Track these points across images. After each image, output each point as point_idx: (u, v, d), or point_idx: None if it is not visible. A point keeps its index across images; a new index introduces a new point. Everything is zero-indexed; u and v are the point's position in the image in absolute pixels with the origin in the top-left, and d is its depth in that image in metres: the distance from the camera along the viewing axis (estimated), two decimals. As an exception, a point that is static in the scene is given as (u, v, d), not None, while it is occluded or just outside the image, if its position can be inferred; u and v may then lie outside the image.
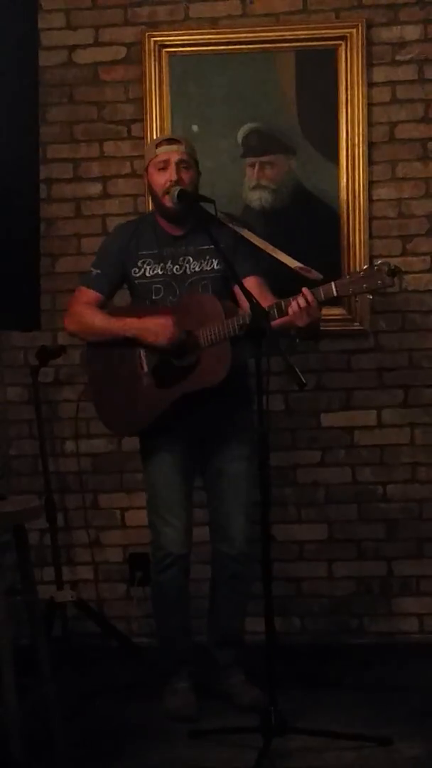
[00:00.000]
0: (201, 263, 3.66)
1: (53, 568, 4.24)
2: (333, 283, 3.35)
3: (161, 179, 3.60)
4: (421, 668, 4.03)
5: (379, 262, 3.36)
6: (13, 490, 4.37)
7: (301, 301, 3.32)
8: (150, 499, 3.70)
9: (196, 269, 3.65)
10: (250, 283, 3.52)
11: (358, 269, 3.46)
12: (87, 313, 3.65)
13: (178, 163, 3.61)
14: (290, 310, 3.34)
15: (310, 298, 3.32)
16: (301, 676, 3.90)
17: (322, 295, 3.35)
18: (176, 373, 3.54)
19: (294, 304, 3.33)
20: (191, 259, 3.66)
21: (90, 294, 3.68)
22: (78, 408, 4.28)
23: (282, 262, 3.64)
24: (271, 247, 3.69)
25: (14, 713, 2.86)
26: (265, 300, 3.41)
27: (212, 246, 3.58)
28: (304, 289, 3.34)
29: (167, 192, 3.58)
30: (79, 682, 3.91)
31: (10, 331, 4.36)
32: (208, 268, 3.66)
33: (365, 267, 3.44)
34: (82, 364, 3.76)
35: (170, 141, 3.68)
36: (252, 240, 3.67)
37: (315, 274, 3.53)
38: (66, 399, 4.39)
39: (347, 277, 3.38)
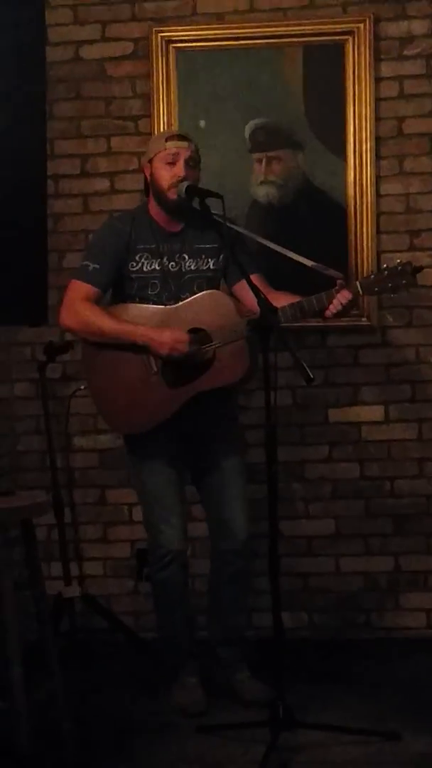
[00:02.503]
0: (197, 262, 3.65)
1: (61, 563, 4.25)
2: (358, 282, 3.49)
3: (167, 173, 3.58)
4: (428, 663, 4.03)
5: (398, 261, 3.49)
6: (21, 486, 4.38)
7: (344, 298, 3.44)
8: (146, 498, 3.69)
9: (192, 268, 3.65)
10: (254, 280, 3.52)
11: (381, 269, 3.49)
12: (90, 312, 3.55)
13: (186, 160, 3.59)
14: (332, 307, 3.45)
15: (349, 295, 3.45)
16: (308, 670, 3.91)
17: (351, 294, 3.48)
18: (189, 372, 3.53)
19: (337, 302, 3.44)
20: (187, 257, 3.65)
21: (87, 289, 3.59)
22: (69, 404, 4.32)
23: (296, 262, 3.65)
24: (276, 247, 3.69)
25: (22, 708, 2.87)
26: (271, 295, 3.41)
27: (209, 245, 3.65)
28: (344, 291, 3.45)
29: (174, 186, 3.57)
30: (87, 677, 3.92)
31: (17, 327, 4.37)
32: (204, 268, 3.66)
33: (387, 266, 3.49)
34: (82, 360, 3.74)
35: (180, 137, 3.66)
36: (266, 244, 3.67)
37: (333, 272, 3.57)
38: (73, 394, 4.38)
39: (372, 276, 3.50)
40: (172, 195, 3.58)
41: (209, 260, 3.67)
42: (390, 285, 3.43)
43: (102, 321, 3.55)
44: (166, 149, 3.60)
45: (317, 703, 3.55)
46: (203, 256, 3.66)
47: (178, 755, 3.25)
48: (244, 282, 3.43)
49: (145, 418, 3.58)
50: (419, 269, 3.45)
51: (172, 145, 3.60)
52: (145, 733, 3.43)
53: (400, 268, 3.43)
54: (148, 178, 3.68)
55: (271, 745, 3.10)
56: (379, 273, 3.48)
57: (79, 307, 3.57)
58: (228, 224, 3.55)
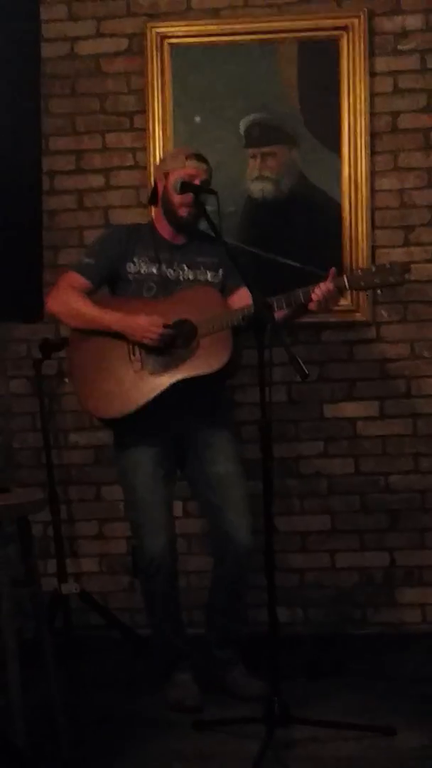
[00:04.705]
0: (195, 273, 3.68)
1: (57, 560, 4.24)
2: (345, 277, 3.47)
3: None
4: (424, 658, 4.04)
5: (389, 262, 3.52)
6: (17, 483, 4.38)
7: (325, 287, 3.42)
8: (133, 502, 3.69)
9: (190, 278, 3.68)
10: (244, 293, 3.49)
11: (370, 265, 3.50)
12: (74, 297, 3.62)
13: (202, 183, 3.62)
14: (315, 297, 3.43)
15: (331, 286, 3.43)
16: (304, 666, 3.91)
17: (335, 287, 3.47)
18: (171, 360, 3.55)
19: (319, 291, 3.42)
20: (186, 268, 3.68)
21: (79, 279, 3.66)
22: (65, 401, 4.28)
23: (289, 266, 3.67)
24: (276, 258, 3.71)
25: (19, 705, 2.87)
26: None
27: (208, 259, 3.68)
28: (325, 282, 3.44)
29: (185, 206, 3.60)
30: (83, 673, 3.93)
31: (12, 324, 4.36)
32: (202, 279, 3.69)
33: (376, 264, 3.49)
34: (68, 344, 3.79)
35: (200, 158, 3.67)
36: (268, 256, 3.70)
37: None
38: (69, 391, 4.38)
39: (359, 272, 3.51)
40: (183, 212, 3.62)
41: (207, 272, 3.69)
42: (377, 281, 3.43)
43: (81, 305, 3.62)
44: (185, 168, 3.62)
45: (312, 699, 3.56)
46: (201, 268, 3.69)
47: (174, 751, 3.26)
48: (240, 292, 3.50)
49: (123, 401, 3.58)
50: (408, 269, 3.47)
51: (191, 165, 3.63)
52: (141, 730, 3.43)
53: (389, 266, 3.45)
54: (160, 190, 3.69)
55: (267, 740, 3.10)
56: (367, 269, 3.49)
57: (63, 291, 3.65)
58: (228, 242, 3.57)
